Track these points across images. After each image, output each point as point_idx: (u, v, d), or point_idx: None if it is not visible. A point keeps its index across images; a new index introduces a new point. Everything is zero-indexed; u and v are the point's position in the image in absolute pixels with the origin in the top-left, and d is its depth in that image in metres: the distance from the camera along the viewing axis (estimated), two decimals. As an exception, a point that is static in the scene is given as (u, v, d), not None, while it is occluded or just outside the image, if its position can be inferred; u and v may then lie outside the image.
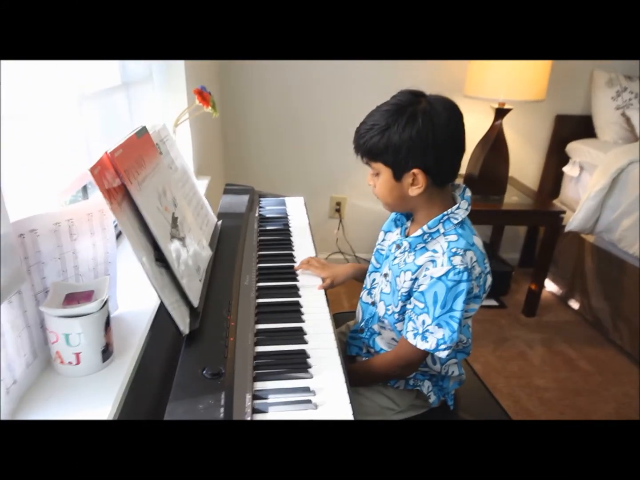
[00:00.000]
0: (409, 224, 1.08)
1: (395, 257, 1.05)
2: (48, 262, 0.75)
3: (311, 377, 0.81)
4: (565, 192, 2.74)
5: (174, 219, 0.93)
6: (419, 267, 0.97)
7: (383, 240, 1.15)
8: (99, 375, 0.75)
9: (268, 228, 1.44)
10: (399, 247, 1.05)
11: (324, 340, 0.92)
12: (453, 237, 0.96)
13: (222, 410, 0.67)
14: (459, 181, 1.04)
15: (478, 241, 0.99)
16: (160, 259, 0.82)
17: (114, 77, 1.31)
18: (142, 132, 0.94)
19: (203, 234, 1.12)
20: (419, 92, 0.95)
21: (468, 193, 1.01)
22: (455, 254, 0.93)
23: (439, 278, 0.93)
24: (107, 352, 0.77)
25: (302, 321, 0.98)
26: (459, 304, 0.93)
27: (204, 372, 0.74)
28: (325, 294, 1.10)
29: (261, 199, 1.67)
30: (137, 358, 0.83)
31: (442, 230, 0.97)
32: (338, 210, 2.86)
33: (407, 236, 1.04)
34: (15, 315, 0.68)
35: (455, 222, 0.97)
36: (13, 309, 0.67)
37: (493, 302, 2.64)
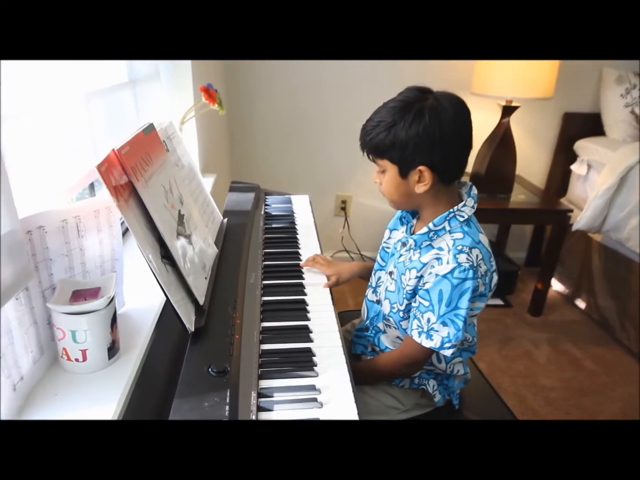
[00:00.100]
0: (414, 221, 1.08)
1: (401, 255, 1.05)
2: (55, 258, 0.75)
3: (316, 375, 0.81)
4: (572, 191, 2.72)
5: (180, 217, 0.93)
6: (425, 264, 0.97)
7: (389, 238, 1.15)
8: (105, 372, 0.76)
9: (274, 226, 1.44)
10: (404, 244, 1.05)
11: (329, 339, 0.92)
12: (459, 235, 0.96)
13: (227, 407, 0.67)
14: (465, 179, 1.04)
15: (484, 239, 0.99)
16: (166, 256, 0.82)
17: (120, 75, 1.31)
18: (149, 129, 0.94)
19: (209, 232, 1.12)
20: (426, 88, 0.95)
21: (474, 191, 1.01)
22: (460, 251, 0.93)
23: (445, 276, 0.93)
24: (113, 349, 0.77)
25: (308, 319, 0.98)
26: (464, 302, 0.93)
27: (210, 369, 0.74)
28: (331, 292, 1.10)
29: (267, 196, 1.67)
30: (143, 355, 0.83)
31: (448, 228, 0.97)
32: (343, 209, 2.85)
33: (412, 234, 1.04)
34: (22, 311, 0.68)
35: (462, 219, 0.97)
36: (20, 306, 0.67)
37: (499, 301, 2.64)
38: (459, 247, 0.94)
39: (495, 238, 2.95)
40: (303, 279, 1.15)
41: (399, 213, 1.12)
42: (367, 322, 1.16)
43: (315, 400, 0.75)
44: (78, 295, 0.76)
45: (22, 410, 0.67)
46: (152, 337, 0.88)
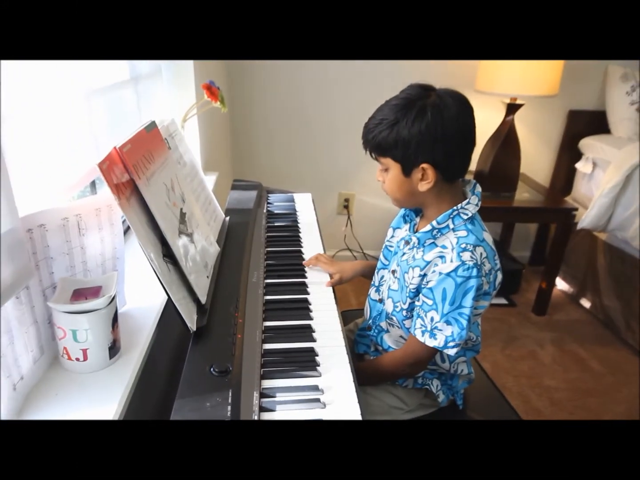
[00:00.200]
0: (418, 220, 1.07)
1: (404, 254, 1.04)
2: (56, 257, 0.75)
3: (319, 375, 0.81)
4: (577, 189, 2.71)
5: (182, 215, 0.93)
6: (428, 263, 0.96)
7: (392, 237, 1.15)
8: (106, 372, 0.76)
9: (276, 224, 1.44)
10: (407, 243, 1.04)
11: (332, 338, 0.92)
12: (463, 233, 0.95)
13: (229, 408, 0.67)
14: (469, 178, 1.03)
15: (488, 237, 0.99)
16: (168, 255, 0.82)
17: (122, 72, 1.31)
18: (151, 126, 0.94)
19: (211, 230, 1.12)
20: (428, 85, 0.94)
21: (478, 188, 1.01)
22: (464, 249, 0.93)
23: (448, 274, 0.93)
24: (114, 349, 0.77)
25: (311, 319, 0.97)
26: (468, 301, 0.93)
27: (212, 369, 0.74)
28: (334, 291, 1.10)
29: (269, 195, 1.66)
30: (144, 355, 0.83)
31: (451, 226, 0.97)
32: (346, 207, 2.85)
33: (416, 232, 1.04)
34: (22, 310, 0.68)
35: (465, 217, 0.96)
36: (21, 305, 0.67)
37: (503, 301, 2.63)
38: (463, 245, 0.93)
39: (499, 237, 2.94)
40: (306, 277, 1.15)
41: (402, 211, 1.12)
42: (370, 321, 1.16)
43: (318, 400, 0.75)
44: (79, 294, 0.75)
45: (22, 410, 0.67)
46: (153, 336, 0.88)
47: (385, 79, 2.48)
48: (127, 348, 0.81)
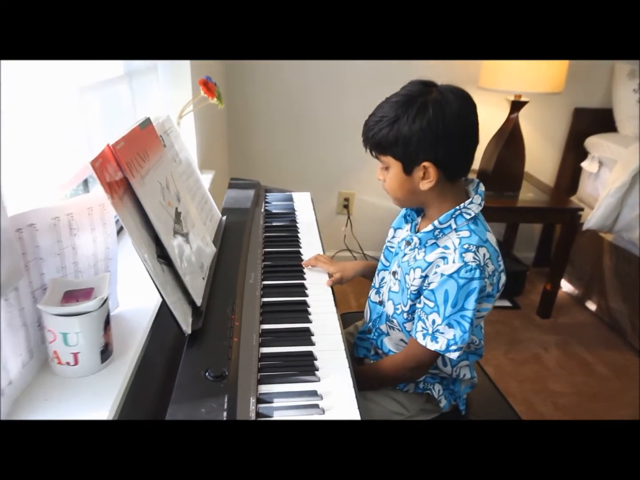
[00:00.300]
0: (419, 220, 1.07)
1: (405, 254, 1.04)
2: (47, 257, 0.75)
3: (318, 380, 0.80)
4: (583, 189, 2.71)
5: (177, 214, 0.93)
6: (430, 264, 0.96)
7: (393, 237, 1.14)
8: (98, 377, 0.75)
9: (274, 224, 1.44)
10: (408, 243, 1.04)
11: (331, 342, 0.91)
12: (465, 233, 0.95)
13: (225, 414, 0.66)
14: (472, 177, 1.03)
15: (492, 238, 0.98)
16: (162, 255, 0.82)
17: (116, 67, 1.31)
18: (146, 123, 0.94)
19: (207, 230, 1.11)
20: (430, 82, 0.94)
21: (482, 188, 1.01)
22: (467, 250, 0.92)
23: (450, 275, 0.92)
24: (106, 352, 0.77)
25: (309, 321, 0.97)
26: (470, 303, 0.92)
27: (207, 374, 0.73)
28: (333, 293, 1.09)
29: (267, 194, 1.66)
30: (138, 359, 0.82)
31: (453, 226, 0.96)
32: (346, 206, 2.84)
33: (417, 232, 1.03)
34: (11, 313, 0.67)
35: (468, 217, 0.96)
36: (9, 307, 0.67)
37: (506, 303, 2.63)
38: (466, 246, 0.93)
39: (503, 237, 2.94)
40: (304, 279, 1.14)
41: (403, 211, 1.12)
42: (370, 324, 1.15)
43: (316, 406, 0.74)
44: (70, 296, 0.75)
45: (10, 415, 0.67)
46: (147, 339, 0.87)
47: (386, 76, 2.47)
48: (119, 352, 0.80)
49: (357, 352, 1.20)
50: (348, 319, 1.36)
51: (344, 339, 0.93)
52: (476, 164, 2.46)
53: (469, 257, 0.92)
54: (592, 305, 2.59)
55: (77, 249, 0.80)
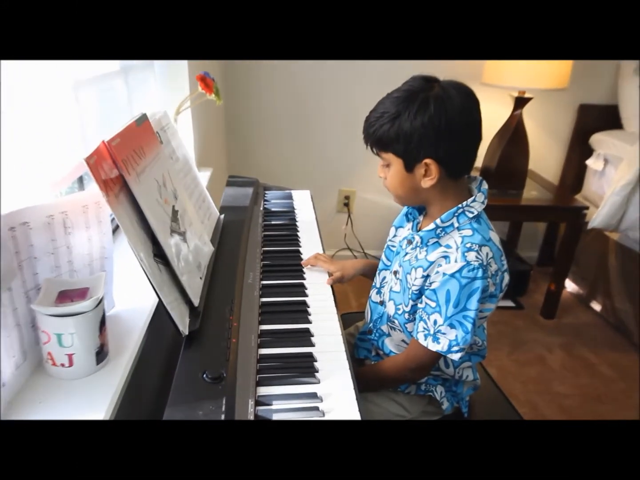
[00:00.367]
0: (421, 218, 1.07)
1: (406, 253, 1.04)
2: (41, 257, 0.74)
3: (318, 382, 0.80)
4: (588, 187, 2.71)
5: (174, 212, 0.93)
6: (431, 263, 0.96)
7: (394, 236, 1.14)
8: (93, 378, 0.75)
9: (273, 223, 1.44)
10: (410, 242, 1.04)
11: (331, 343, 0.91)
12: (468, 232, 0.95)
13: (223, 416, 0.66)
14: (475, 175, 1.03)
15: (495, 237, 0.98)
16: (159, 254, 0.81)
17: (111, 62, 1.30)
18: (142, 119, 0.94)
19: (205, 229, 1.11)
20: (431, 77, 0.94)
21: (485, 186, 1.00)
22: (469, 249, 0.92)
23: (452, 275, 0.92)
24: (101, 354, 0.77)
25: (309, 322, 0.97)
26: (473, 303, 0.92)
27: (204, 375, 0.73)
28: (333, 293, 1.09)
29: (266, 192, 1.66)
30: (134, 360, 0.82)
31: (456, 225, 0.96)
32: (347, 205, 2.84)
33: (419, 231, 1.03)
34: (4, 313, 0.67)
35: (471, 215, 0.96)
36: (2, 307, 0.66)
37: (509, 303, 2.63)
38: (468, 245, 0.93)
39: (506, 236, 2.94)
40: (304, 279, 1.14)
41: (404, 209, 1.12)
42: (371, 324, 1.15)
43: (316, 408, 0.74)
44: (64, 296, 0.75)
45: (4, 418, 0.66)
46: (143, 340, 0.87)
47: (387, 71, 2.46)
48: (115, 353, 0.80)
49: (357, 353, 1.19)
50: (348, 319, 1.36)
51: (344, 339, 0.93)
52: (479, 162, 2.46)
53: (471, 256, 0.92)
54: (597, 306, 2.59)
55: (71, 247, 0.79)
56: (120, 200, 0.75)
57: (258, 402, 0.74)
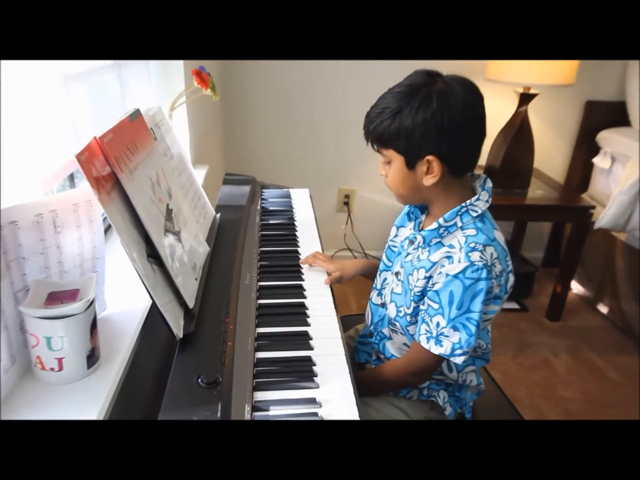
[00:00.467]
0: (423, 217, 1.07)
1: (408, 254, 1.04)
2: (29, 257, 0.74)
3: (317, 386, 0.80)
4: (594, 186, 2.71)
5: (169, 211, 0.92)
6: (434, 264, 0.96)
7: (395, 236, 1.14)
8: (84, 383, 0.74)
9: (271, 222, 1.44)
10: (412, 242, 1.04)
11: (331, 346, 0.91)
12: (472, 231, 0.95)
13: (218, 422, 0.66)
14: (479, 173, 1.03)
15: (499, 236, 0.98)
16: (152, 255, 0.81)
17: (104, 56, 1.30)
18: (136, 115, 0.93)
19: (200, 228, 1.11)
20: (434, 72, 0.94)
21: (489, 184, 1.00)
22: (473, 249, 0.92)
23: (456, 276, 0.92)
24: (92, 358, 0.76)
25: (308, 324, 0.97)
26: (477, 305, 0.92)
27: (199, 380, 0.73)
28: (332, 295, 1.09)
29: (264, 190, 1.66)
30: (126, 364, 0.82)
31: (459, 224, 0.96)
32: (346, 204, 2.84)
33: (421, 230, 1.03)
34: (-8, 315, 0.67)
35: (475, 214, 0.96)
36: (-10, 309, 0.66)
37: (514, 305, 2.63)
38: (472, 245, 0.93)
39: (511, 236, 2.94)
40: (302, 280, 1.14)
41: (406, 208, 1.12)
42: (372, 327, 1.15)
43: (315, 414, 0.74)
44: (54, 298, 0.74)
45: (-8, 423, 0.66)
46: (136, 344, 0.87)
47: (388, 66, 2.46)
48: (107, 357, 0.80)
49: (358, 357, 1.19)
50: (348, 322, 1.36)
51: (344, 343, 0.92)
52: (483, 160, 2.45)
53: (475, 256, 0.91)
54: (603, 308, 2.59)
55: (62, 247, 0.79)
56: (112, 198, 0.75)
57: (255, 408, 0.74)
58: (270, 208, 1.54)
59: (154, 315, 0.89)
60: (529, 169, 2.43)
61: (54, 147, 0.96)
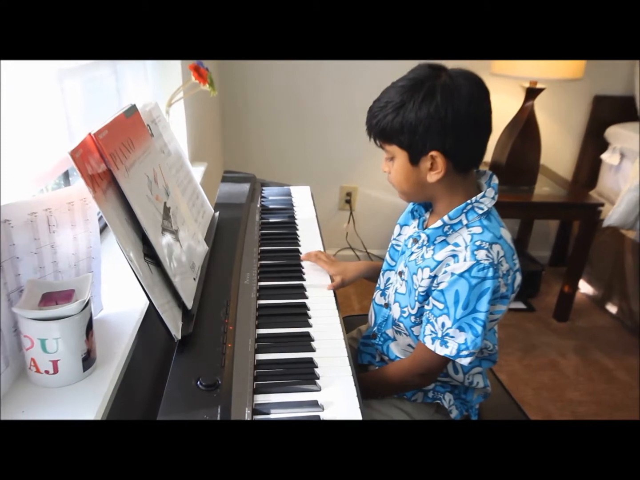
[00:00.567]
0: (427, 215, 1.07)
1: (412, 253, 1.04)
2: (23, 257, 0.74)
3: (319, 389, 0.80)
4: (603, 183, 2.70)
5: (166, 210, 0.92)
6: (439, 262, 0.96)
7: (399, 234, 1.14)
8: (79, 386, 0.75)
9: (271, 221, 1.44)
10: (416, 241, 1.04)
11: (333, 348, 0.91)
12: (477, 229, 0.95)
13: (217, 426, 0.66)
14: (484, 170, 1.03)
15: (506, 234, 0.98)
16: (149, 254, 0.81)
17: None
18: (132, 111, 0.93)
19: (198, 227, 1.11)
20: (439, 65, 0.94)
21: (495, 180, 1.00)
22: (479, 247, 0.92)
23: (461, 275, 0.92)
24: (88, 360, 0.76)
25: (309, 325, 0.97)
26: (483, 305, 0.92)
27: (198, 382, 0.73)
28: (335, 295, 1.09)
29: (263, 188, 1.66)
30: (123, 367, 0.82)
31: (465, 222, 0.96)
32: (348, 202, 2.84)
33: (425, 228, 1.03)
34: (-16, 317, 0.67)
35: (480, 212, 0.96)
36: (-18, 310, 0.66)
37: (520, 305, 2.63)
38: (478, 243, 0.92)
39: (517, 235, 2.94)
40: (304, 280, 1.14)
41: (410, 206, 1.11)
42: (375, 328, 1.15)
43: (317, 418, 0.74)
44: (49, 299, 0.74)
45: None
46: (133, 346, 0.87)
47: (392, 61, 2.46)
48: (103, 359, 0.80)
49: (361, 358, 1.19)
50: (351, 322, 1.36)
51: (346, 344, 0.92)
52: (488, 156, 2.45)
53: (481, 254, 0.91)
54: (612, 308, 2.59)
55: (56, 247, 0.79)
56: (108, 196, 0.75)
57: (255, 411, 0.74)
58: (271, 206, 1.54)
59: (151, 317, 0.89)
60: (535, 166, 2.43)
61: (48, 144, 0.96)
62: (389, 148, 0.97)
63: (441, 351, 0.95)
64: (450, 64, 0.95)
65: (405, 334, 1.07)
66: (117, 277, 0.94)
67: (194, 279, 0.94)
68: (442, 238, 0.98)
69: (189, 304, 0.86)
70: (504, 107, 2.44)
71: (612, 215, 2.33)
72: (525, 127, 2.34)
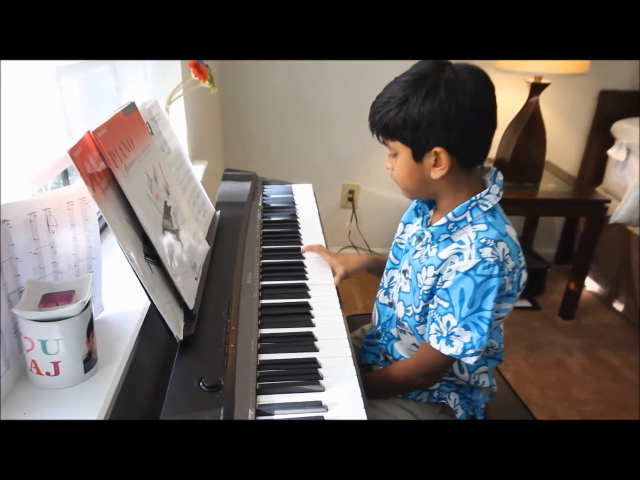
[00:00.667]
0: (431, 213, 1.07)
1: (416, 251, 1.03)
2: (22, 257, 0.74)
3: (323, 390, 0.80)
4: (609, 179, 2.70)
5: (167, 209, 0.92)
6: (443, 261, 0.95)
7: (402, 232, 1.14)
8: (81, 388, 0.74)
9: (273, 219, 1.44)
10: (420, 239, 1.03)
11: (337, 347, 0.91)
12: (482, 227, 0.94)
13: (220, 428, 0.66)
14: (488, 166, 1.02)
15: (511, 231, 0.98)
16: (150, 254, 0.81)
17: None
18: (131, 108, 0.93)
19: (199, 226, 1.11)
20: (442, 60, 0.93)
21: (500, 177, 1.00)
22: (484, 245, 0.92)
23: (466, 273, 0.91)
24: (89, 361, 0.76)
25: (312, 325, 0.97)
26: (489, 303, 0.92)
27: (201, 383, 0.73)
28: (338, 295, 1.09)
29: (265, 186, 1.66)
30: (124, 368, 0.82)
31: (469, 219, 0.96)
32: (351, 199, 2.84)
33: (429, 226, 1.03)
34: (-16, 318, 0.67)
35: (485, 209, 0.95)
36: (-18, 312, 0.66)
37: (526, 303, 2.62)
38: (483, 240, 0.92)
39: (522, 232, 2.94)
40: (306, 279, 1.14)
41: (413, 204, 1.11)
42: (379, 327, 1.15)
43: (321, 418, 0.74)
44: (49, 300, 0.74)
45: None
46: (134, 347, 0.87)
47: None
48: (104, 360, 0.80)
49: (364, 358, 1.19)
50: (354, 322, 1.37)
51: (350, 344, 0.92)
52: (493, 152, 2.44)
53: (486, 252, 0.91)
54: (619, 306, 2.58)
55: (56, 247, 0.79)
56: (107, 195, 0.75)
57: (258, 412, 0.74)
58: (272, 204, 1.54)
59: (152, 317, 0.89)
60: (540, 162, 2.42)
61: (47, 143, 0.96)
62: (392, 144, 0.96)
63: (446, 350, 0.95)
64: (454, 62, 0.95)
65: (409, 333, 1.06)
66: (117, 278, 0.94)
67: (196, 278, 0.94)
68: (447, 236, 0.98)
69: (191, 304, 0.86)
70: (508, 103, 2.43)
71: (618, 212, 2.33)
72: (530, 122, 2.34)
